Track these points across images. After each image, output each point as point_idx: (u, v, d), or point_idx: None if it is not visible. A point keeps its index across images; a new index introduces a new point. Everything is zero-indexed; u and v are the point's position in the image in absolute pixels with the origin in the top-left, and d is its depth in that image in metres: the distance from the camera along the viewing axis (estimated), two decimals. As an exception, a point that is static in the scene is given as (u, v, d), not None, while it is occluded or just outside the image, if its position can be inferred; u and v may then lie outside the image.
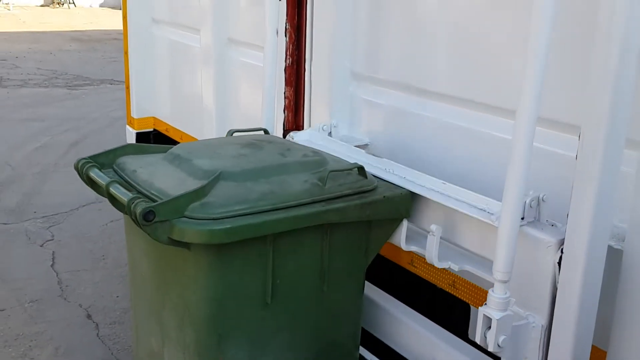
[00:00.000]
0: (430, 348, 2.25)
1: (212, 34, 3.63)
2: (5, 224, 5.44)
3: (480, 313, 1.79)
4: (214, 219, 1.79)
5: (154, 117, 4.54)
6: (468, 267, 2.04)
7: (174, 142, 4.46)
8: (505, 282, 1.76)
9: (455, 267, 2.05)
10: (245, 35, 3.54)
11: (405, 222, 2.14)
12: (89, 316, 4.06)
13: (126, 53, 4.48)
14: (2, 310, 4.10)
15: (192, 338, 1.94)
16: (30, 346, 3.75)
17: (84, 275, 4.57)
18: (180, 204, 1.79)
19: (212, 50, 3.65)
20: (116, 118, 8.77)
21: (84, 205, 5.89)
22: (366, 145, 2.73)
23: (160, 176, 2.02)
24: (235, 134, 2.41)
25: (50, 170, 6.80)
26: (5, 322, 3.97)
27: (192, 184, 1.91)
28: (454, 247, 2.13)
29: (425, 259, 2.52)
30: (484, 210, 1.94)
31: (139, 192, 1.95)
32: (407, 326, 2.34)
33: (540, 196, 1.86)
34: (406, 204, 2.12)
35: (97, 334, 3.88)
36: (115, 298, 4.27)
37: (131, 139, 4.60)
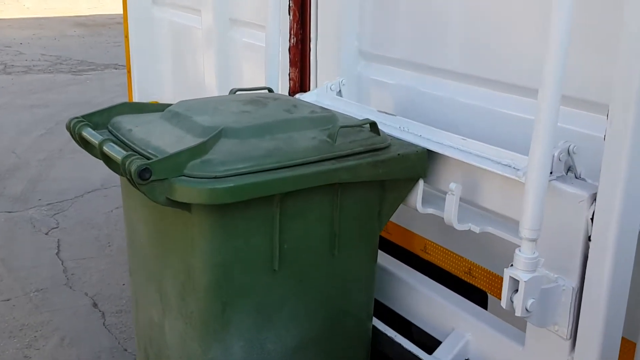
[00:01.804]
0: (449, 318, 2.11)
1: (214, 14, 3.48)
2: (10, 212, 5.35)
3: (507, 275, 1.65)
4: (215, 178, 1.65)
5: (156, 102, 4.40)
6: (490, 229, 1.90)
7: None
8: (533, 240, 1.61)
9: (476, 229, 1.91)
10: (247, 15, 3.41)
11: (421, 182, 1.99)
12: (95, 305, 3.98)
13: (127, 37, 4.34)
14: (7, 300, 4.01)
15: (194, 307, 1.80)
16: (35, 337, 3.65)
17: (89, 263, 4.49)
18: (179, 161, 1.65)
19: (213, 32, 3.51)
20: (121, 103, 8.64)
21: (89, 192, 5.80)
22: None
23: (158, 134, 1.88)
24: (237, 93, 2.26)
25: (55, 156, 6.69)
26: (10, 312, 3.88)
27: (192, 142, 1.77)
28: (474, 208, 1.99)
29: (438, 244, 2.42)
30: (509, 166, 1.79)
31: (135, 151, 1.81)
32: (423, 295, 2.20)
33: (570, 147, 1.70)
34: (422, 162, 1.97)
35: (104, 323, 3.80)
36: (122, 286, 4.16)
37: None
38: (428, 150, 1.97)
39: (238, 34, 3.47)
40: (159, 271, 1.93)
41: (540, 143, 1.56)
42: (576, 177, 1.74)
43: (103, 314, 3.89)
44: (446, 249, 2.44)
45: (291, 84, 2.60)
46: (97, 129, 2.01)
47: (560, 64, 1.49)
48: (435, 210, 2.02)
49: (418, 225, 2.48)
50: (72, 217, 5.27)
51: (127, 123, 1.98)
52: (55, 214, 5.31)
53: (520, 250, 1.64)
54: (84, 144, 1.93)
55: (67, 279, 4.28)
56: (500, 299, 2.28)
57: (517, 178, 1.72)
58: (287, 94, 2.60)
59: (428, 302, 2.17)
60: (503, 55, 2.07)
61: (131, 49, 4.27)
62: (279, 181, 1.70)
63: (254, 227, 1.76)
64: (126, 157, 1.66)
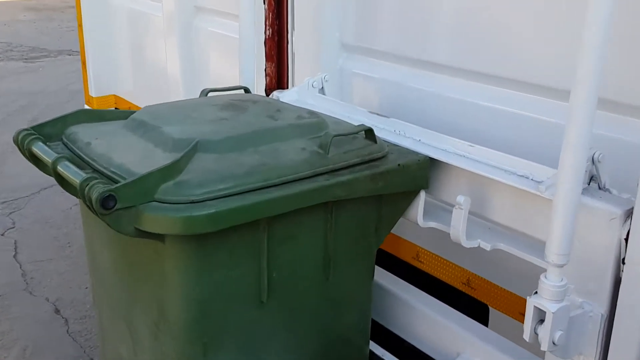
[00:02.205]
0: (454, 341, 1.91)
1: (176, 0, 3.20)
2: (-40, 212, 5.01)
3: (530, 304, 1.44)
4: (192, 203, 1.40)
5: (114, 95, 4.10)
6: (503, 246, 1.69)
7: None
8: (561, 266, 1.41)
9: (486, 246, 1.70)
10: (214, 2, 3.13)
11: (422, 194, 1.77)
12: (57, 311, 3.72)
13: (80, 26, 4.01)
14: (-38, 309, 3.72)
15: (170, 348, 1.56)
16: (-5, 348, 3.39)
17: (48, 266, 4.21)
18: (148, 184, 1.40)
19: (175, 20, 3.22)
20: (76, 91, 8.26)
21: (45, 188, 5.45)
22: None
23: (122, 149, 1.62)
24: (210, 94, 2.01)
25: (8, 150, 6.30)
26: (-34, 322, 3.59)
27: (162, 158, 1.52)
28: (482, 221, 1.78)
29: (431, 252, 2.22)
30: (527, 178, 1.57)
31: (95, 170, 1.56)
32: (423, 315, 1.98)
33: (595, 155, 1.50)
34: (424, 172, 1.74)
35: (67, 330, 3.58)
36: (84, 290, 3.89)
37: None
38: (431, 158, 1.75)
39: (203, 23, 3.20)
40: (128, 304, 1.68)
41: (573, 154, 1.34)
42: (600, 188, 1.54)
43: (66, 320, 3.64)
44: (441, 258, 2.24)
45: (267, 80, 2.35)
46: (51, 140, 1.74)
47: (600, 61, 1.28)
48: (438, 224, 1.80)
49: (409, 231, 2.27)
50: (28, 215, 4.97)
51: (84, 134, 1.71)
52: (10, 213, 5.00)
53: (546, 277, 1.43)
54: (35, 161, 1.66)
55: (27, 283, 4.02)
56: (504, 312, 2.12)
57: (538, 193, 1.50)
58: (263, 91, 2.35)
59: (430, 323, 1.96)
60: (510, 48, 1.85)
61: (85, 40, 3.95)
62: (266, 203, 1.47)
63: (237, 256, 1.52)
64: (85, 180, 1.40)
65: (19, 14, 14.40)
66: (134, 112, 1.78)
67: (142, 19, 3.70)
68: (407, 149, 1.79)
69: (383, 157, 1.70)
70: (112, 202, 1.35)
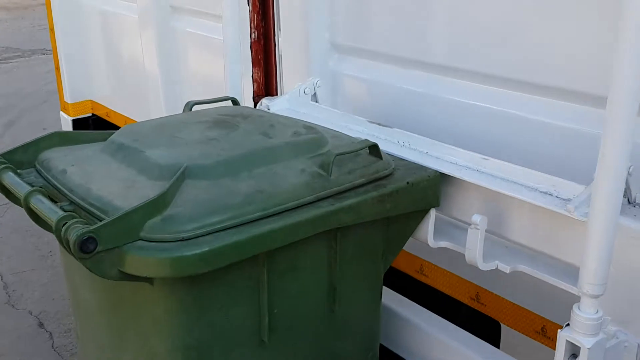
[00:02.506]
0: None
1: (151, 1, 3.01)
2: (-63, 225, 4.81)
3: (562, 338, 1.31)
4: (182, 240, 1.24)
5: (91, 101, 3.90)
6: (524, 268, 1.54)
7: (117, 129, 3.85)
8: (597, 297, 1.27)
9: (505, 268, 1.55)
10: (191, 2, 2.95)
11: (433, 213, 1.62)
12: (40, 324, 3.59)
13: (52, 29, 3.80)
14: (-57, 326, 3.56)
15: (163, 397, 1.40)
16: (-22, 366, 3.28)
17: (30, 276, 4.06)
18: (132, 222, 1.24)
19: (151, 20, 3.04)
20: (52, 92, 7.97)
21: None
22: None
23: (101, 177, 1.45)
24: (195, 108, 1.84)
25: (-19, 157, 6.11)
26: (-53, 339, 3.44)
27: (147, 188, 1.36)
28: (498, 239, 1.63)
29: (436, 265, 2.08)
30: (551, 195, 1.43)
31: (72, 202, 1.39)
32: (435, 340, 1.84)
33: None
34: (435, 189, 1.59)
35: (52, 345, 3.47)
36: (68, 301, 3.72)
37: (67, 127, 3.95)
38: (441, 173, 1.60)
39: (181, 23, 3.02)
40: (114, 349, 1.51)
41: (611, 169, 1.21)
42: (629, 203, 1.41)
43: (51, 334, 3.51)
44: (447, 271, 2.09)
45: (255, 87, 2.19)
46: (23, 168, 1.57)
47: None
48: (450, 244, 1.65)
49: (412, 243, 2.13)
50: (7, 224, 4.78)
51: (59, 161, 1.54)
52: (-11, 222, 4.80)
53: (579, 309, 1.29)
54: (5, 192, 1.49)
55: (9, 296, 3.87)
56: (517, 330, 1.98)
57: (566, 213, 1.36)
58: (250, 98, 2.19)
59: (443, 349, 1.81)
60: (530, 47, 1.69)
61: (58, 43, 3.75)
62: (266, 236, 1.31)
63: (235, 294, 1.37)
64: (62, 219, 1.24)
65: (-11, 13, 14.07)
66: (113, 132, 1.61)
67: (116, 20, 3.51)
68: (414, 163, 1.64)
69: (390, 174, 1.55)
70: (93, 245, 1.19)
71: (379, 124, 1.82)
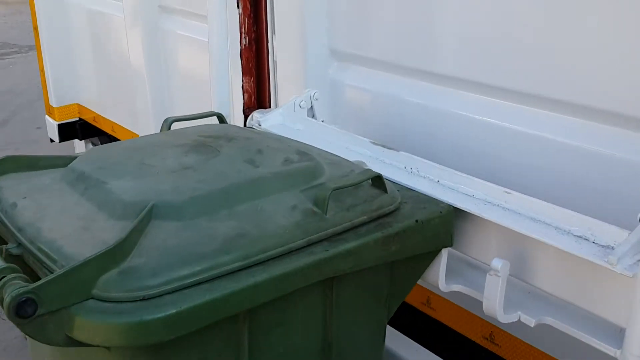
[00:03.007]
0: None
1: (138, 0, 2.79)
2: None
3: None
4: (144, 299, 1.02)
5: (78, 104, 3.68)
6: (551, 320, 1.32)
7: (104, 135, 3.64)
8: (648, 371, 1.04)
9: (530, 321, 1.33)
10: (180, 1, 2.73)
11: (445, 254, 1.40)
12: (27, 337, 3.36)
13: (35, 28, 3.58)
14: None
15: None
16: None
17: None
18: (83, 277, 1.01)
19: (139, 21, 2.81)
20: (47, 90, 7.82)
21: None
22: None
23: (55, 213, 1.23)
24: (174, 124, 1.62)
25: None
26: None
27: (106, 230, 1.14)
28: (519, 281, 1.41)
29: (445, 298, 1.86)
30: (587, 240, 1.20)
31: (20, 243, 1.17)
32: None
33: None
34: (448, 227, 1.37)
35: None
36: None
37: (53, 132, 3.73)
38: (456, 208, 1.37)
39: (170, 24, 2.80)
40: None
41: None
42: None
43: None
44: (457, 306, 1.87)
45: (245, 98, 1.96)
46: (-31, 197, 1.35)
47: None
48: (465, 288, 1.43)
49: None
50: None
51: (11, 191, 1.32)
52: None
53: (624, 383, 1.07)
54: (-56, 230, 1.27)
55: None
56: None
57: (606, 265, 1.13)
58: (240, 111, 1.96)
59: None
60: (564, 62, 1.47)
61: (42, 43, 3.53)
62: (248, 291, 1.09)
63: (210, 358, 1.14)
64: (-3, 273, 1.02)
65: (-17, 8, 13.86)
66: (75, 157, 1.39)
67: (103, 20, 3.29)
68: (424, 195, 1.41)
69: (396, 210, 1.32)
70: (31, 308, 0.97)
71: (383, 146, 1.59)
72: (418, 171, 1.50)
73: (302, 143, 1.57)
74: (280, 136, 1.62)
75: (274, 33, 2.04)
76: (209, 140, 1.45)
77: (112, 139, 3.51)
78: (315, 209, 1.24)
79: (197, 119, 1.67)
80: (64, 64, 3.54)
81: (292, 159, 1.37)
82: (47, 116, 3.80)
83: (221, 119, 1.69)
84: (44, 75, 3.66)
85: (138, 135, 3.09)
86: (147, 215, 1.15)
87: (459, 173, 1.44)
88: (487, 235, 1.36)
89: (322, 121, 1.90)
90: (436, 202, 1.38)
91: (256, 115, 1.90)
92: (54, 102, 3.63)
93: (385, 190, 1.33)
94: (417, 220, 1.31)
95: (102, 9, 3.25)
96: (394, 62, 1.89)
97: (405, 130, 1.90)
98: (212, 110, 1.80)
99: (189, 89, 2.79)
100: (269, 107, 1.98)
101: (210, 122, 1.63)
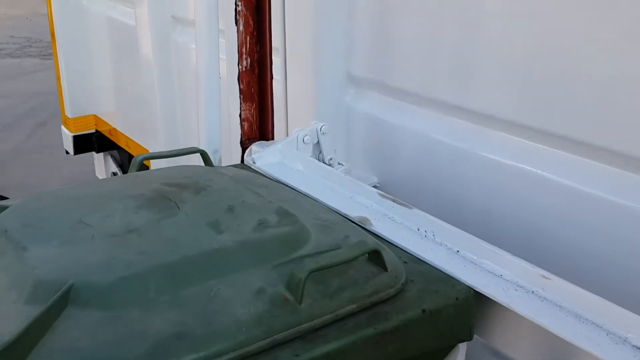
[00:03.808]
0: None
1: (149, 9, 2.55)
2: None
3: None
4: None
5: (94, 116, 3.47)
6: None
7: (119, 149, 3.42)
8: None
9: None
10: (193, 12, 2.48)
11: (462, 349, 1.09)
12: None
13: (53, 35, 3.39)
14: None
15: None
16: None
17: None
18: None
19: (150, 32, 2.57)
20: (89, 91, 7.74)
21: None
22: (374, 186, 1.69)
23: (-41, 288, 0.96)
24: (143, 165, 1.35)
25: (8, 159, 5.81)
26: None
27: (9, 318, 0.86)
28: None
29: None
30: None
31: None
32: None
33: None
34: (466, 317, 1.06)
35: None
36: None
37: (68, 144, 3.53)
38: (477, 292, 1.06)
39: (183, 37, 2.54)
40: None
41: None
42: None
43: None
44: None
45: (246, 127, 1.69)
46: None
47: None
48: (487, 392, 1.12)
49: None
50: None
51: None
52: (5, 232, 4.49)
53: None
54: None
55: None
56: None
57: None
58: (238, 143, 1.68)
59: None
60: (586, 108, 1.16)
61: (59, 51, 3.33)
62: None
63: None
64: None
65: (43, 6, 13.91)
66: (6, 207, 1.13)
67: (120, 28, 3.06)
68: (437, 269, 1.10)
69: (397, 294, 1.02)
70: None
71: (394, 200, 1.28)
72: (434, 236, 1.20)
73: (293, 193, 1.28)
74: (269, 182, 1.34)
75: (285, 55, 1.76)
76: (173, 190, 1.16)
77: (129, 153, 3.30)
78: (287, 294, 0.94)
79: (174, 157, 1.39)
80: (81, 73, 3.33)
81: (269, 222, 1.08)
82: (62, 127, 3.61)
83: (204, 156, 1.41)
84: (60, 84, 3.46)
85: (149, 152, 2.86)
86: (61, 301, 0.87)
87: (485, 244, 1.13)
88: (518, 329, 1.04)
89: (330, 159, 1.62)
90: (452, 282, 1.07)
91: (254, 148, 1.62)
92: (69, 113, 3.43)
93: (384, 268, 1.03)
94: (424, 311, 1.00)
95: (120, 17, 3.03)
96: (422, 93, 1.60)
97: (430, 171, 1.60)
98: (199, 144, 1.52)
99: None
100: (272, 138, 1.70)
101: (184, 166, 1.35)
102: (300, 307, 0.93)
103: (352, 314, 0.97)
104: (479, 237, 1.27)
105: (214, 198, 1.16)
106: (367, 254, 1.03)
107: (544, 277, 1.03)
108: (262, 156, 1.51)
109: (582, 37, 1.23)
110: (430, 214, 1.47)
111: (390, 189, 1.72)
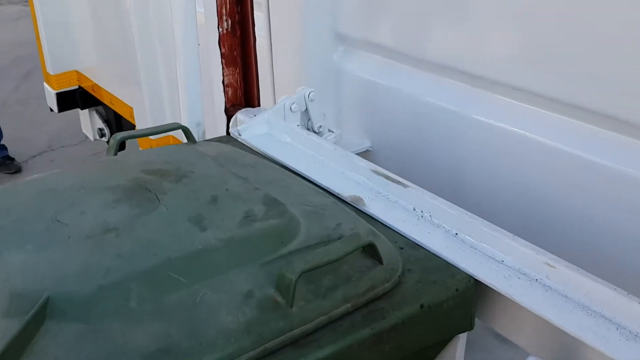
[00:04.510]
0: None
1: None
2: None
3: None
4: None
5: (76, 71, 3.34)
6: None
7: (104, 106, 3.31)
8: None
9: None
10: None
11: (462, 340, 1.04)
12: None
13: None
14: None
15: None
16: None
17: None
18: None
19: None
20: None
21: (34, 156, 5.04)
22: (366, 151, 1.62)
23: None
24: (120, 145, 1.27)
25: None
26: None
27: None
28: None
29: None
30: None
31: None
32: None
33: None
34: (465, 309, 1.01)
35: None
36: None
37: (52, 101, 3.41)
38: (477, 281, 1.01)
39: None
40: None
41: None
42: None
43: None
44: None
45: (230, 93, 1.60)
46: None
47: None
48: (488, 377, 1.08)
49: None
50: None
51: None
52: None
53: None
54: None
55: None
56: None
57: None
58: (222, 111, 1.60)
59: None
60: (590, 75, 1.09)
61: (36, 5, 3.16)
62: None
63: None
64: None
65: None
66: (-23, 204, 1.06)
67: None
68: (436, 256, 1.05)
69: (393, 288, 0.97)
70: None
71: (387, 178, 1.22)
72: (430, 216, 1.14)
73: (281, 172, 1.22)
74: (255, 160, 1.26)
75: (269, 15, 1.66)
76: (152, 179, 1.09)
77: (114, 110, 3.19)
78: (277, 297, 0.89)
79: (155, 134, 1.31)
80: (61, 26, 3.17)
81: (256, 214, 1.01)
82: (45, 84, 3.49)
83: (187, 132, 1.33)
84: (39, 40, 3.32)
85: (133, 109, 2.75)
86: (38, 315, 0.82)
87: (484, 225, 1.07)
88: (520, 319, 1.00)
89: (320, 127, 1.54)
90: (451, 271, 1.02)
91: (240, 117, 1.54)
92: (50, 70, 3.30)
93: (379, 261, 0.97)
94: (422, 306, 0.95)
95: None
96: (413, 53, 1.52)
97: (424, 135, 1.53)
98: (181, 118, 1.44)
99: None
100: (258, 104, 1.62)
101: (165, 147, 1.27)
102: (291, 310, 0.88)
103: (347, 314, 0.92)
104: (475, 202, 1.22)
105: (196, 187, 1.09)
106: (362, 247, 0.97)
107: (549, 265, 0.97)
108: (247, 127, 1.44)
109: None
110: (425, 178, 1.42)
111: (383, 153, 1.66)
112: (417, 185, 1.18)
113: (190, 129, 1.34)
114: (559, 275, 0.96)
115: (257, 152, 1.37)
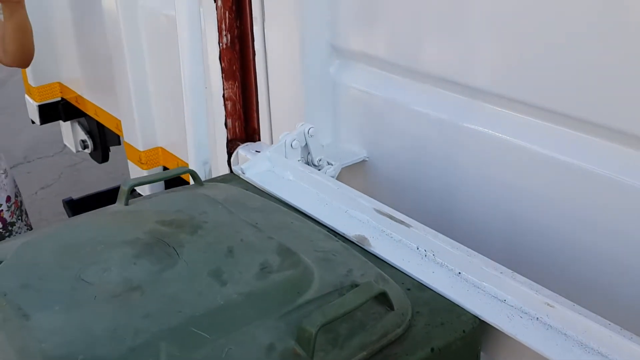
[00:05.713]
0: None
1: None
2: None
3: None
4: None
5: (59, 83, 3.35)
6: None
7: (87, 117, 3.33)
8: None
9: None
10: None
11: (470, 374, 1.11)
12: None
13: None
14: None
15: None
16: None
17: None
18: None
19: None
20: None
21: (10, 168, 4.92)
22: (363, 160, 1.68)
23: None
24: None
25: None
26: None
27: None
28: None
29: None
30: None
31: None
32: None
33: None
34: (472, 347, 1.07)
35: None
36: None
37: (33, 114, 3.41)
38: (483, 322, 1.07)
39: (153, 2, 2.44)
40: None
41: None
42: None
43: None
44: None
45: (228, 107, 1.63)
46: None
47: None
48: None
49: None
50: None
51: None
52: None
53: None
54: None
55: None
56: None
57: None
58: (224, 145, 1.65)
59: None
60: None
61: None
62: None
63: None
64: None
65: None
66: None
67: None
68: (441, 296, 1.11)
69: (404, 333, 1.02)
70: None
71: (391, 217, 1.28)
72: (434, 255, 1.20)
73: (289, 215, 1.27)
74: (263, 203, 1.32)
75: (264, 28, 1.71)
76: (168, 231, 1.14)
77: (97, 121, 3.20)
78: (298, 349, 0.94)
79: (165, 179, 1.36)
80: (42, 38, 3.15)
81: (271, 265, 1.07)
82: (26, 96, 3.48)
83: (195, 176, 1.38)
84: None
85: (120, 122, 2.77)
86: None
87: (486, 263, 1.13)
88: (524, 356, 1.06)
89: (319, 160, 1.60)
90: (457, 311, 1.08)
91: (241, 153, 1.59)
92: (32, 81, 3.29)
93: (391, 307, 1.03)
94: (432, 349, 1.01)
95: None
96: (408, 65, 1.57)
97: (420, 145, 1.58)
98: (188, 158, 1.49)
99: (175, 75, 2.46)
100: (257, 117, 1.66)
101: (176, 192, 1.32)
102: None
103: (364, 360, 0.98)
104: (471, 211, 1.25)
105: (211, 238, 1.14)
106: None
107: (548, 304, 1.03)
108: (251, 166, 1.49)
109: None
110: (420, 187, 1.46)
111: (379, 162, 1.70)
112: (414, 192, 1.21)
113: (197, 168, 1.39)
114: (558, 314, 1.03)
115: (261, 190, 1.42)
